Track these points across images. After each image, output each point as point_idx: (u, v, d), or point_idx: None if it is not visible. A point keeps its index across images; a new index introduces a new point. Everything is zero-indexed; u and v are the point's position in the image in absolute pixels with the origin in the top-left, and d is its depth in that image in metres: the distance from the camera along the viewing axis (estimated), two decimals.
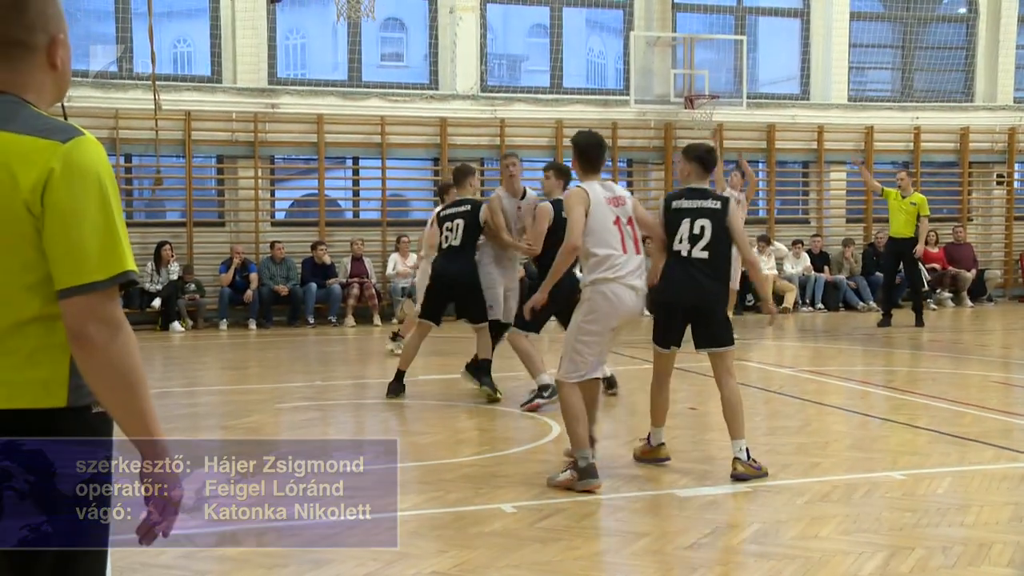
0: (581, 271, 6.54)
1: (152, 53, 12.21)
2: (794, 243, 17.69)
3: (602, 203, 5.68)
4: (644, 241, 6.01)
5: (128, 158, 15.98)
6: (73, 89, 15.49)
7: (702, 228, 5.93)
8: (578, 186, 5.82)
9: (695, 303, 5.97)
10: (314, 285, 15.53)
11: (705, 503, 5.30)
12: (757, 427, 7.56)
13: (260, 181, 16.37)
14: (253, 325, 15.27)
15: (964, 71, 19.49)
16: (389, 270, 16.15)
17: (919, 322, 14.20)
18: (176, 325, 14.80)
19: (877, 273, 17.73)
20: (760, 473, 5.76)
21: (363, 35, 16.96)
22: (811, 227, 18.45)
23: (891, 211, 14.47)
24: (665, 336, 6.09)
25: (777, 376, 9.99)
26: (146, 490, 2.14)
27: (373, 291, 15.75)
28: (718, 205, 5.98)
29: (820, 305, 17.29)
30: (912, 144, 18.77)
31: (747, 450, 5.81)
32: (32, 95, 2.15)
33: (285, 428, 7.83)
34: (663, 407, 6.21)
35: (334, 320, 15.56)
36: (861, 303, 17.33)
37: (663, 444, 6.19)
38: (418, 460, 6.45)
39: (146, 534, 2.15)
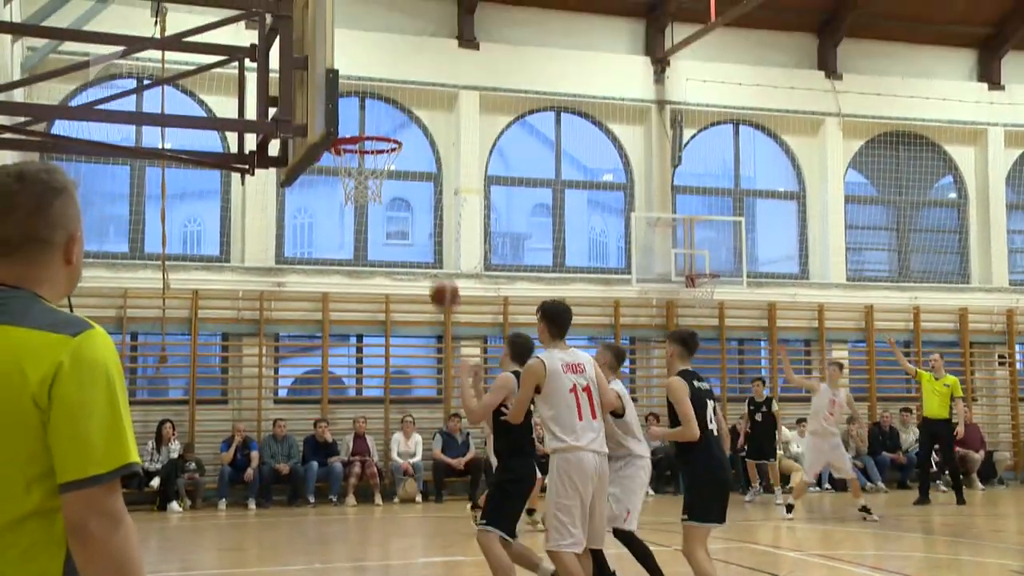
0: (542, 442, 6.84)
1: (163, 234, 12.48)
2: (798, 421, 17.57)
3: (559, 372, 5.95)
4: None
5: (134, 336, 16.11)
6: (85, 270, 15.81)
7: (714, 408, 6.60)
8: (536, 358, 6.12)
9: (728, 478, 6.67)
10: (315, 463, 15.35)
11: None
12: None
13: (264, 358, 16.43)
14: (253, 504, 14.99)
15: (959, 253, 19.88)
16: (392, 449, 16.00)
17: (960, 500, 14.42)
18: (174, 505, 14.54)
19: (884, 452, 17.56)
20: None
21: (369, 215, 17.40)
22: None
23: (924, 393, 14.79)
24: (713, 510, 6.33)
25: (786, 560, 9.73)
26: None
27: (375, 469, 15.56)
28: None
29: (828, 485, 17.01)
30: (912, 323, 18.94)
31: None
32: (46, 290, 2.22)
33: None
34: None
35: (335, 499, 15.29)
36: (869, 483, 17.06)
37: None
38: None
39: None
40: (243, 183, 12.95)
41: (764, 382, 12.80)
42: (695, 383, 6.43)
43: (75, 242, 2.27)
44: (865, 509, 12.37)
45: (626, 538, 7.14)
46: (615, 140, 18.61)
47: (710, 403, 6.45)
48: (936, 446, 15.04)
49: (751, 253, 18.94)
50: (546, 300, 6.44)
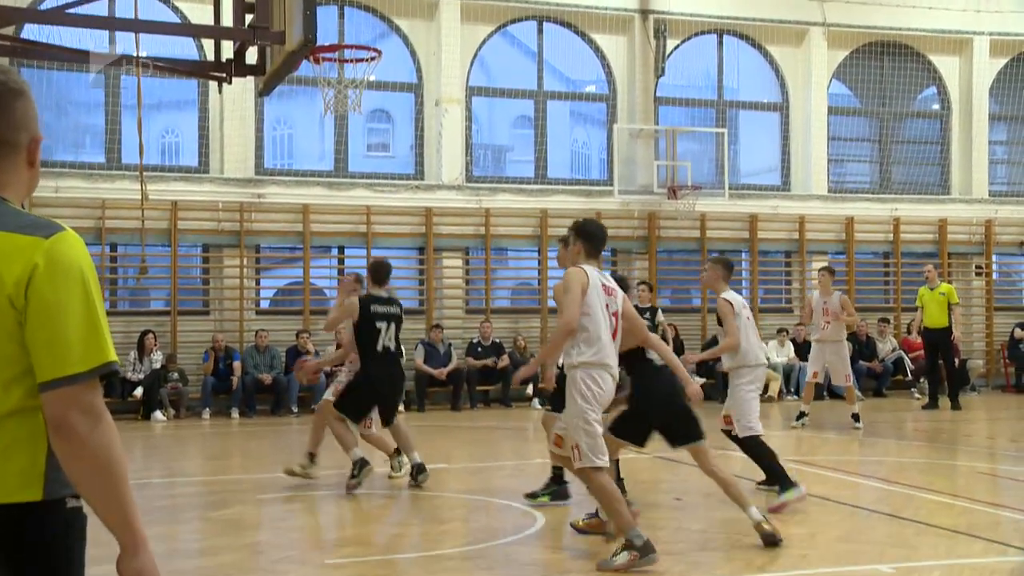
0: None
1: (140, 144, 12.31)
2: (778, 332, 17.78)
3: (598, 288, 5.84)
4: None
5: (113, 247, 16.03)
6: (61, 180, 15.59)
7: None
8: (578, 267, 5.90)
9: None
10: None
11: None
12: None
13: (245, 270, 16.41)
14: (236, 414, 15.14)
15: (940, 165, 19.90)
16: None
17: (955, 406, 15.00)
18: (158, 414, 14.65)
19: (860, 362, 17.81)
20: None
21: (349, 126, 17.21)
22: (794, 316, 18.55)
23: (924, 304, 15.08)
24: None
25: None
26: None
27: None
28: None
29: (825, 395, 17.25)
30: (892, 235, 19.04)
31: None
32: (11, 193, 2.21)
33: (267, 519, 7.71)
34: None
35: (317, 409, 15.40)
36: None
37: None
38: (402, 552, 6.36)
39: None
40: (220, 92, 12.80)
41: (651, 287, 12.35)
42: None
43: (37, 144, 2.25)
44: (855, 417, 12.57)
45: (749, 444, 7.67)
46: (598, 50, 18.37)
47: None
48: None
49: (733, 165, 18.90)
50: (580, 219, 6.39)
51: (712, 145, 18.66)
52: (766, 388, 16.99)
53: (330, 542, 6.81)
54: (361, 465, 8.32)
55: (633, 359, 6.39)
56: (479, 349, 16.38)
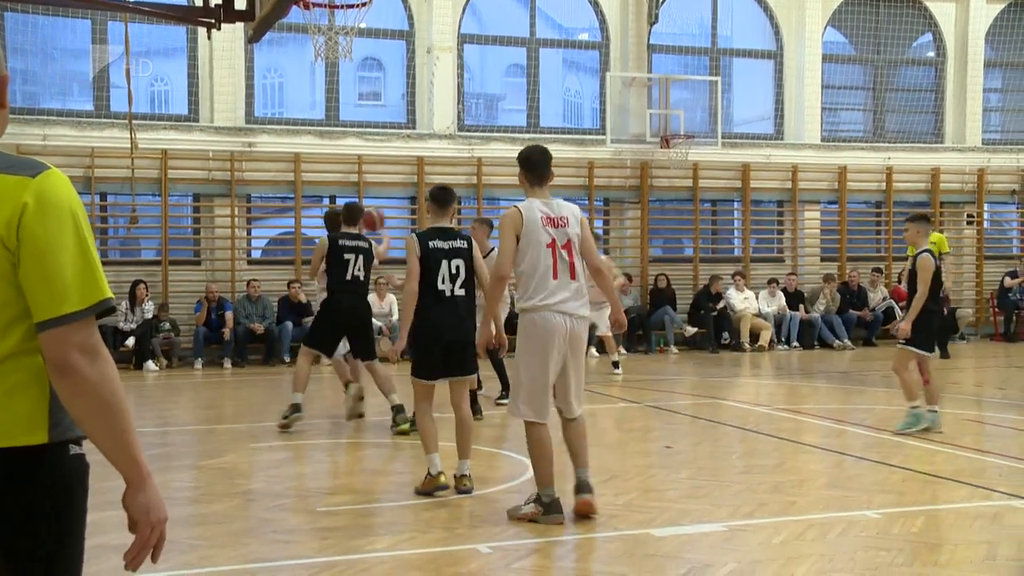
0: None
1: (129, 92, 12.20)
2: (769, 282, 17.82)
3: (536, 224, 5.49)
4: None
5: (103, 196, 15.94)
6: (49, 127, 15.43)
7: (457, 268, 6.52)
8: (514, 206, 5.69)
9: (454, 337, 6.43)
10: (290, 323, 15.48)
11: (681, 543, 5.28)
12: (733, 465, 7.58)
13: (236, 220, 16.35)
14: (228, 364, 15.18)
15: (934, 113, 19.81)
16: None
17: (944, 354, 15.06)
18: (150, 364, 14.68)
19: (851, 311, 17.90)
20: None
21: (341, 75, 17.05)
22: (786, 265, 18.59)
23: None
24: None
25: (753, 414, 10.01)
26: (131, 516, 2.13)
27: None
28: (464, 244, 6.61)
29: (795, 343, 17.39)
30: (884, 184, 19.01)
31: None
32: None
33: (260, 467, 7.76)
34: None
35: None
36: (836, 340, 17.45)
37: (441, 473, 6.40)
38: (394, 500, 6.41)
39: (132, 560, 2.14)
40: (209, 38, 12.65)
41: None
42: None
43: (6, 84, 2.20)
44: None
45: None
46: None
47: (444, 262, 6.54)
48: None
49: (726, 113, 18.80)
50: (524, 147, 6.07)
51: (705, 94, 18.54)
52: (757, 337, 17.14)
53: (322, 490, 6.87)
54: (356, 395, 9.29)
55: None
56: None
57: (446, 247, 6.56)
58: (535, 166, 5.70)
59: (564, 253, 5.48)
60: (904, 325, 8.62)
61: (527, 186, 5.74)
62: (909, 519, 5.68)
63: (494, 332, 6.07)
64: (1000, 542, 5.19)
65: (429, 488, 6.33)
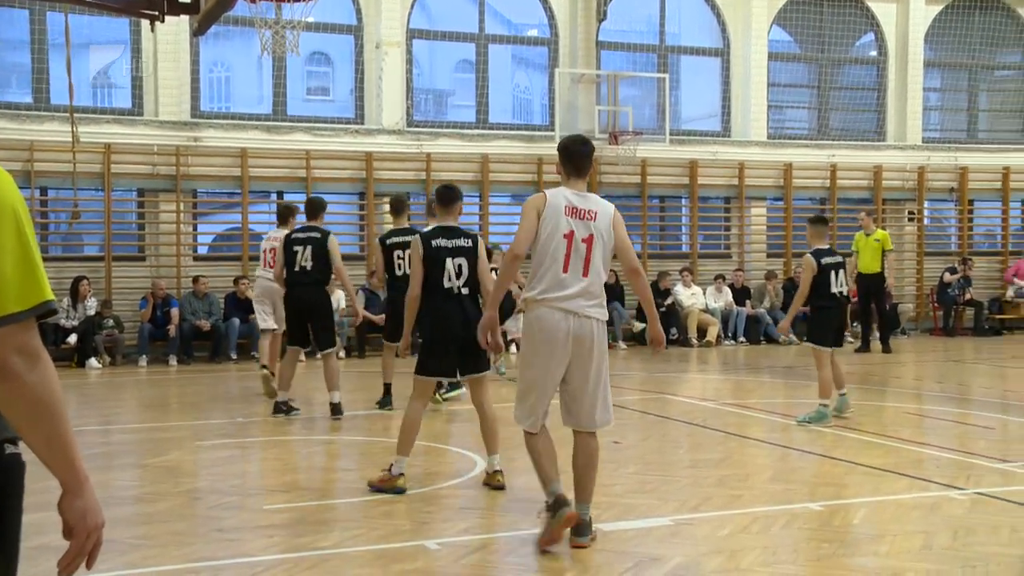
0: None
1: (70, 85, 11.98)
2: (716, 278, 18.00)
3: (558, 210, 5.11)
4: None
5: (44, 191, 15.64)
6: None
7: (460, 266, 6.48)
8: (543, 191, 5.37)
9: (467, 335, 6.18)
10: (237, 320, 15.31)
11: (628, 537, 5.32)
12: (680, 460, 7.65)
13: (182, 215, 16.13)
14: (174, 361, 14.98)
15: (876, 112, 20.14)
16: None
17: (886, 349, 15.64)
18: (93, 362, 14.45)
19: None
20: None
21: (288, 69, 16.89)
22: (733, 261, 18.79)
23: (859, 250, 15.51)
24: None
25: (700, 409, 10.11)
26: (67, 522, 2.10)
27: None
28: (469, 243, 6.55)
29: (742, 338, 17.59)
30: (829, 181, 19.29)
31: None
32: None
33: (205, 466, 7.67)
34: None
35: (257, 355, 15.31)
36: (782, 336, 17.66)
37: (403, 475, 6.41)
38: (341, 497, 6.38)
39: (67, 566, 2.10)
40: (153, 31, 12.47)
41: None
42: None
43: None
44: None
45: None
46: None
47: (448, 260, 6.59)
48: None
49: (674, 111, 18.94)
50: (566, 136, 5.69)
51: (653, 91, 18.67)
52: (705, 333, 17.31)
53: (269, 488, 6.81)
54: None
55: None
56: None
57: (450, 245, 6.49)
58: (572, 157, 5.28)
59: (582, 247, 5.06)
60: (784, 323, 9.10)
61: (563, 176, 5.32)
62: (850, 511, 5.78)
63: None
64: (937, 532, 5.31)
65: (384, 486, 6.28)
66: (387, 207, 17.11)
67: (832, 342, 9.24)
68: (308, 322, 9.49)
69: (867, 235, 15.70)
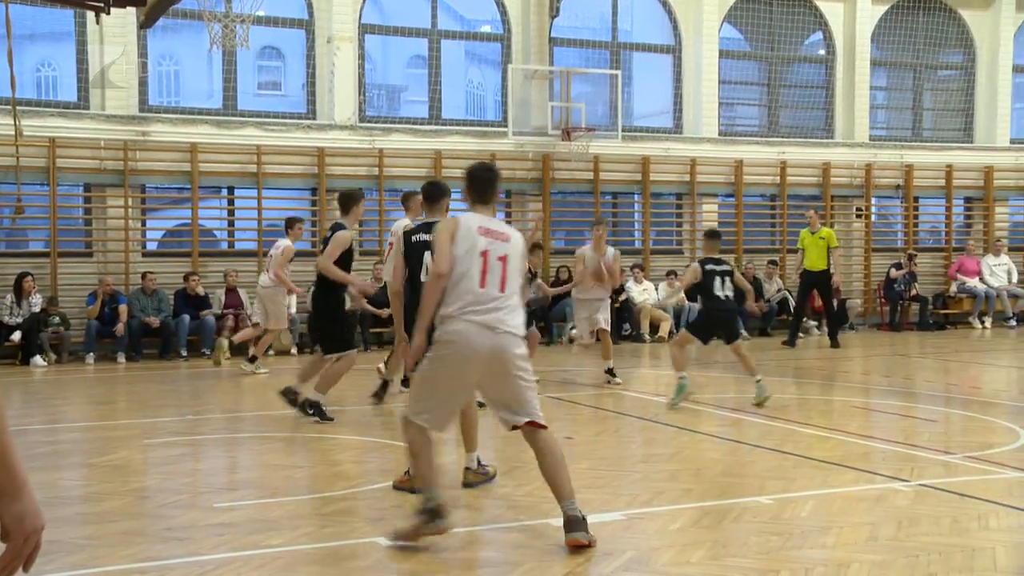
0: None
1: (12, 77, 11.73)
2: (668, 273, 18.13)
3: (472, 231, 5.17)
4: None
5: None
6: None
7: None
8: (454, 215, 5.46)
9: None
10: (187, 316, 15.14)
11: None
12: (632, 455, 7.70)
13: (131, 211, 15.90)
14: (122, 358, 14.76)
15: (824, 109, 20.42)
16: None
17: (835, 344, 15.98)
18: (38, 359, 14.19)
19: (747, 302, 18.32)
20: (488, 476, 6.35)
21: (239, 63, 16.71)
22: (685, 257, 18.94)
23: (805, 247, 15.76)
24: None
25: (652, 405, 10.18)
26: (4, 525, 2.06)
27: (248, 323, 15.42)
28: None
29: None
30: (779, 178, 19.51)
31: (478, 459, 6.39)
32: None
33: (154, 464, 7.58)
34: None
35: (208, 352, 15.17)
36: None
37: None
38: (292, 495, 6.33)
39: (2, 570, 2.07)
40: (98, 23, 12.29)
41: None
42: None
43: None
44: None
45: None
46: None
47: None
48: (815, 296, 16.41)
49: (626, 107, 19.04)
50: (474, 163, 5.71)
51: (606, 87, 18.75)
52: (657, 328, 17.43)
53: (219, 486, 6.74)
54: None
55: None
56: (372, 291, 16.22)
57: (431, 239, 6.15)
58: (476, 183, 5.37)
59: (498, 264, 5.13)
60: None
61: (469, 202, 5.38)
62: (799, 504, 5.86)
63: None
64: (882, 523, 5.40)
65: (404, 486, 6.06)
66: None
67: (703, 338, 10.15)
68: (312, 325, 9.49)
69: (812, 232, 15.97)
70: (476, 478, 6.35)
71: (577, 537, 4.94)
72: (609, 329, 11.69)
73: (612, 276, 11.59)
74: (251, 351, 13.18)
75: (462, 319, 5.04)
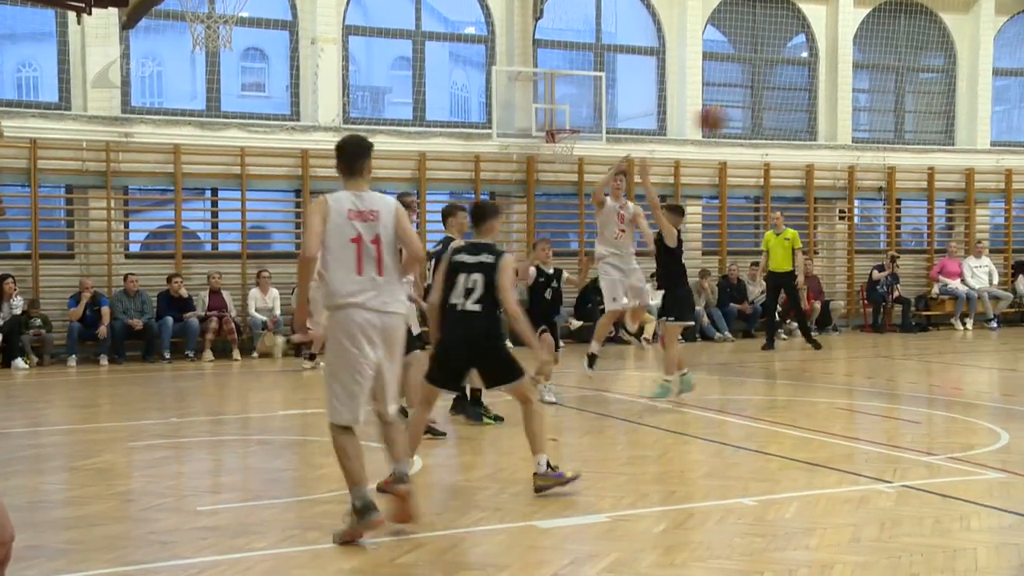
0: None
1: None
2: (651, 276, 18.12)
3: (344, 216, 5.21)
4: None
5: None
6: None
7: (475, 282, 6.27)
8: (322, 196, 5.39)
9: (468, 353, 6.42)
10: (170, 319, 15.07)
11: (565, 534, 5.35)
12: (617, 457, 7.71)
13: (113, 212, 15.82)
14: (105, 361, 14.68)
15: (807, 111, 20.50)
16: (249, 304, 15.82)
17: (810, 341, 15.93)
18: (19, 362, 14.10)
19: (731, 304, 18.39)
20: (561, 480, 6.16)
21: (223, 64, 16.65)
22: None
23: (770, 248, 15.77)
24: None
25: (637, 406, 10.19)
26: None
27: (232, 325, 15.38)
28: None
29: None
30: (762, 180, 19.58)
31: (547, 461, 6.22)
32: None
33: (138, 467, 7.54)
34: None
35: (191, 355, 15.11)
36: (717, 333, 17.90)
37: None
38: (277, 498, 6.31)
39: None
40: (80, 23, 12.21)
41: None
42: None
43: None
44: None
45: None
46: None
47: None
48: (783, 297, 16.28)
49: (610, 109, 19.06)
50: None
51: (590, 89, 18.77)
52: (641, 330, 17.44)
53: (203, 489, 6.72)
54: None
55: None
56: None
57: (471, 261, 6.34)
58: (347, 157, 5.37)
59: (372, 248, 5.23)
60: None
61: (341, 177, 5.39)
62: (783, 505, 5.88)
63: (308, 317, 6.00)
64: (865, 524, 5.43)
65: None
66: None
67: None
68: None
69: (777, 234, 16.00)
70: (546, 481, 6.17)
71: (402, 488, 5.27)
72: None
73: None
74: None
75: (348, 308, 5.19)
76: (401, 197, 8.75)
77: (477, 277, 6.27)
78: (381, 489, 6.10)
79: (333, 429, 5.32)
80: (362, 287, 5.21)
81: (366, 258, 5.22)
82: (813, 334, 16.59)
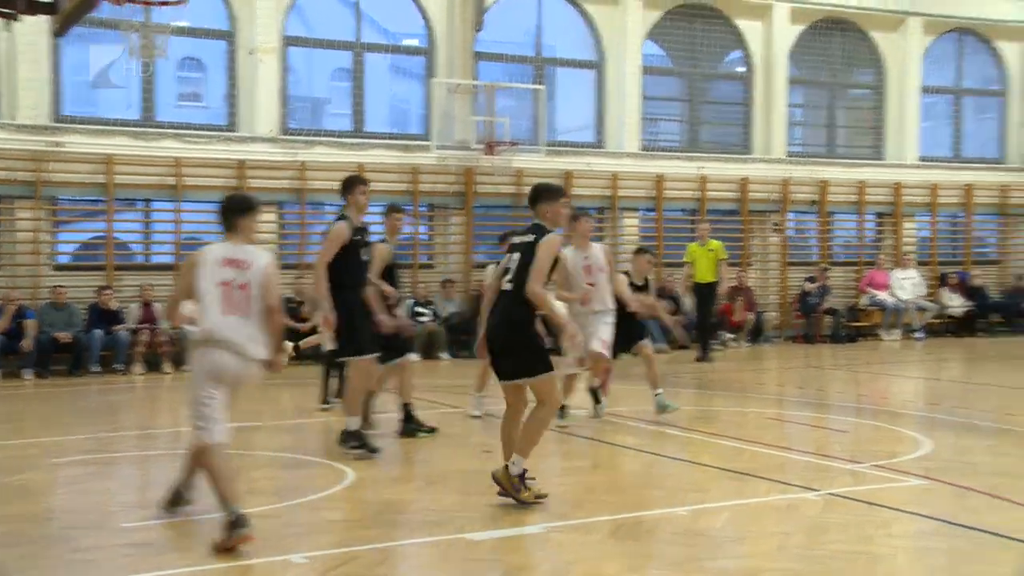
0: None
1: None
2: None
3: (218, 262, 5.67)
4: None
5: None
6: None
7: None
8: (201, 249, 5.90)
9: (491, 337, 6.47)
10: (100, 331, 14.76)
11: (496, 546, 5.35)
12: (551, 468, 7.72)
13: (41, 223, 15.48)
14: (29, 375, 14.32)
15: (743, 125, 20.81)
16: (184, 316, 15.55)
17: (705, 357, 15.81)
18: None
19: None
20: (517, 496, 6.17)
21: (158, 74, 16.39)
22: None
23: (695, 259, 15.86)
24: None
25: (571, 418, 10.20)
26: None
27: (163, 338, 15.11)
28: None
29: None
30: (699, 192, 19.81)
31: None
32: None
33: (61, 484, 7.38)
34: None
35: (121, 368, 14.82)
36: (653, 344, 18.00)
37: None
38: (204, 513, 6.22)
39: None
40: (7, 29, 11.95)
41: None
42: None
43: None
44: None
45: None
46: (416, 2, 18.15)
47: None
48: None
49: (550, 121, 19.16)
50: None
51: (529, 102, 18.84)
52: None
53: (128, 505, 6.58)
54: None
55: None
56: (290, 305, 16.05)
57: (517, 241, 6.48)
58: (225, 215, 5.85)
59: (239, 293, 5.63)
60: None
61: (224, 230, 5.88)
62: (714, 514, 5.95)
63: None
64: (793, 532, 5.52)
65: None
66: (261, 215, 16.82)
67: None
68: None
69: (702, 245, 16.19)
70: (507, 485, 6.21)
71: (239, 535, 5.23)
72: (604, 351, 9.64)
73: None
74: None
75: (211, 343, 5.59)
76: (393, 205, 9.60)
77: (516, 256, 6.35)
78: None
79: (213, 454, 5.54)
80: (225, 328, 5.59)
81: (229, 301, 5.63)
82: (747, 344, 16.76)
